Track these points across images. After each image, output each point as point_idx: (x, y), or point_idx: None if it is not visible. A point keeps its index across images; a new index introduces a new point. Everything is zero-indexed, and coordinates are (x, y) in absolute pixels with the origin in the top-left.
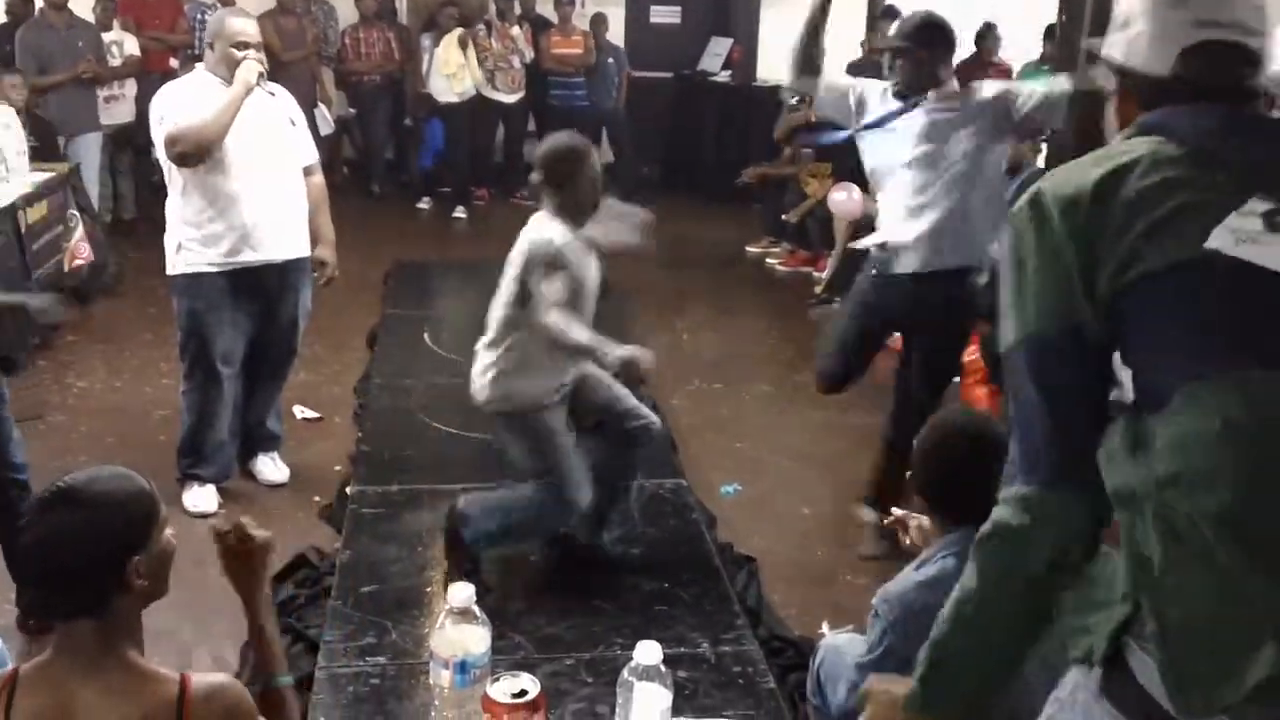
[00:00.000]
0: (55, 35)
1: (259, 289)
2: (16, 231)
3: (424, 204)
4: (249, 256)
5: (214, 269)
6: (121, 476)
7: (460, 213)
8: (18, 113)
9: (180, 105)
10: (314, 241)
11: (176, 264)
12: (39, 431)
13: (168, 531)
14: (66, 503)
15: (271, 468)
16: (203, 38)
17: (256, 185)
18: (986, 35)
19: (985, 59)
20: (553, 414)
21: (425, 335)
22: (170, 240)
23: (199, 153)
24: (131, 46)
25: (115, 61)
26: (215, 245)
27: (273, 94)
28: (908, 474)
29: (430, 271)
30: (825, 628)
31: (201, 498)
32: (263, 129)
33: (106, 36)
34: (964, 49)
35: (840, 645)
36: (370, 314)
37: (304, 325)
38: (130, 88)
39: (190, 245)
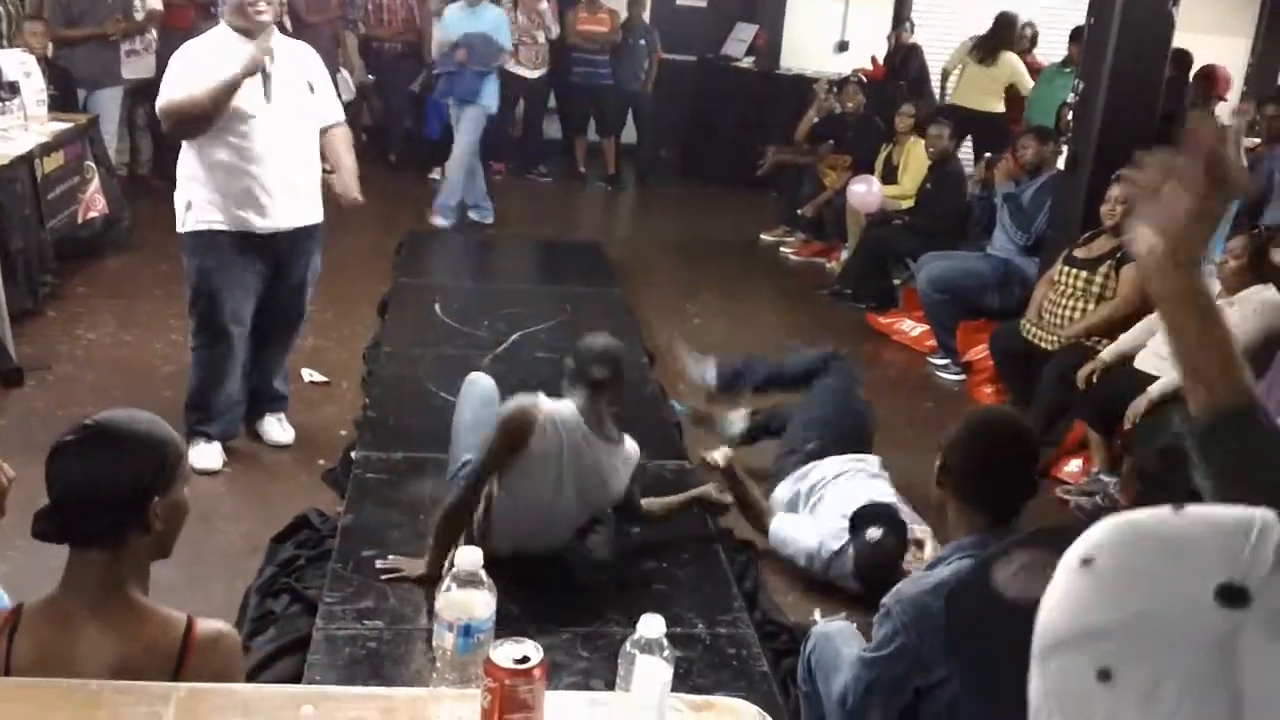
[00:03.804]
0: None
1: (268, 252)
2: (33, 180)
3: (435, 174)
4: (256, 223)
5: (222, 228)
6: (154, 421)
7: (436, 174)
8: (38, 60)
9: (187, 71)
10: (335, 171)
11: (186, 221)
12: (47, 382)
13: (186, 488)
14: (101, 435)
15: (278, 429)
16: None
17: (264, 152)
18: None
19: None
20: None
21: (436, 305)
22: (180, 198)
23: (189, 130)
24: (154, 1)
25: (138, 15)
26: (223, 207)
27: (291, 55)
28: (940, 464)
29: (444, 242)
30: (817, 615)
31: (207, 454)
32: (276, 95)
33: None
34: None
35: (831, 633)
36: (382, 281)
37: (313, 289)
38: (151, 42)
39: (199, 204)
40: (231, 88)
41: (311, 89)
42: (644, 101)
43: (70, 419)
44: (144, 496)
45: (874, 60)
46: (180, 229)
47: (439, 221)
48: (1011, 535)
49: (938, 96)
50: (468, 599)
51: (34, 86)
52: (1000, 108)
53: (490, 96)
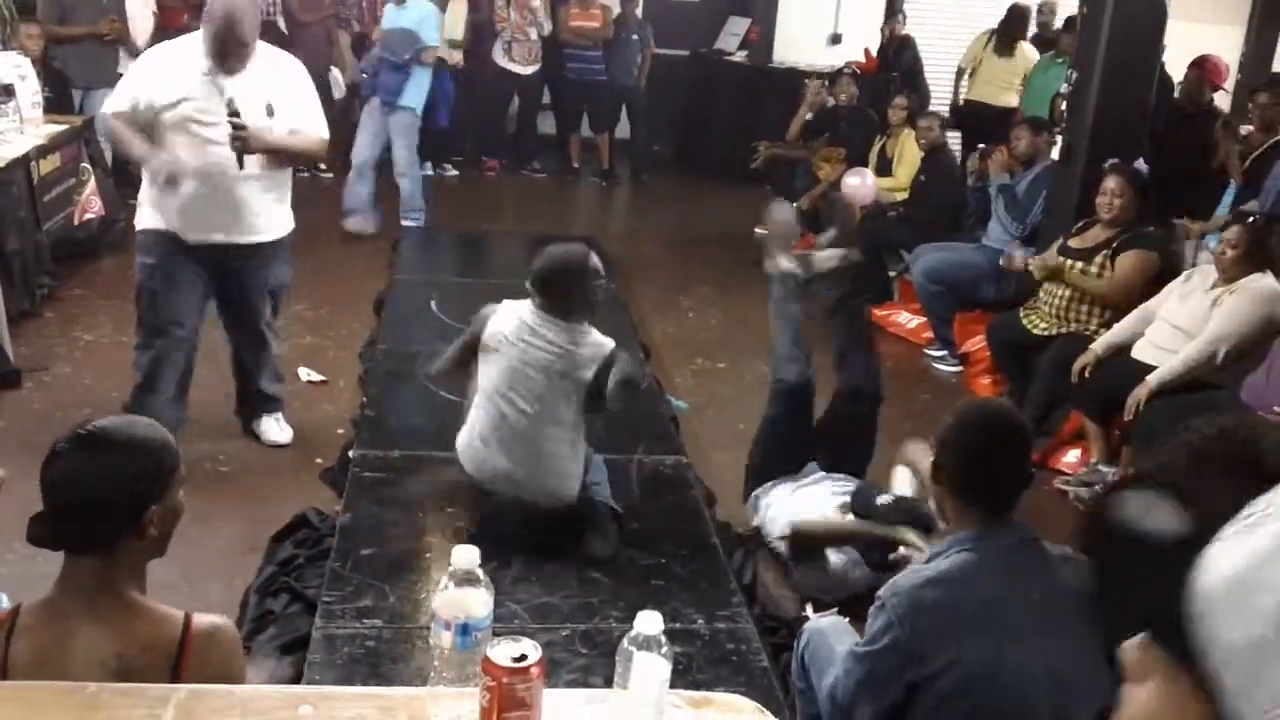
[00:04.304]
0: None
1: (210, 261)
2: (29, 182)
3: (427, 170)
4: (189, 235)
5: (163, 228)
6: (152, 427)
7: (427, 169)
8: (33, 63)
9: (137, 81)
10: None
11: (138, 219)
12: (44, 383)
13: (181, 491)
14: (98, 442)
15: (275, 429)
16: None
17: (207, 171)
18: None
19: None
20: None
21: (432, 303)
22: (139, 196)
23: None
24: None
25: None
26: (165, 211)
27: (257, 74)
28: (933, 459)
29: (439, 239)
30: (809, 610)
31: None
32: (218, 117)
33: None
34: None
35: (824, 628)
36: (378, 279)
37: (279, 298)
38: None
39: (147, 204)
40: (129, 153)
41: (270, 111)
42: (637, 97)
43: (67, 420)
44: (140, 504)
45: (867, 53)
46: (136, 225)
47: (409, 223)
48: (1016, 528)
49: (953, 95)
50: (465, 598)
51: (29, 89)
52: (1015, 101)
53: (414, 96)
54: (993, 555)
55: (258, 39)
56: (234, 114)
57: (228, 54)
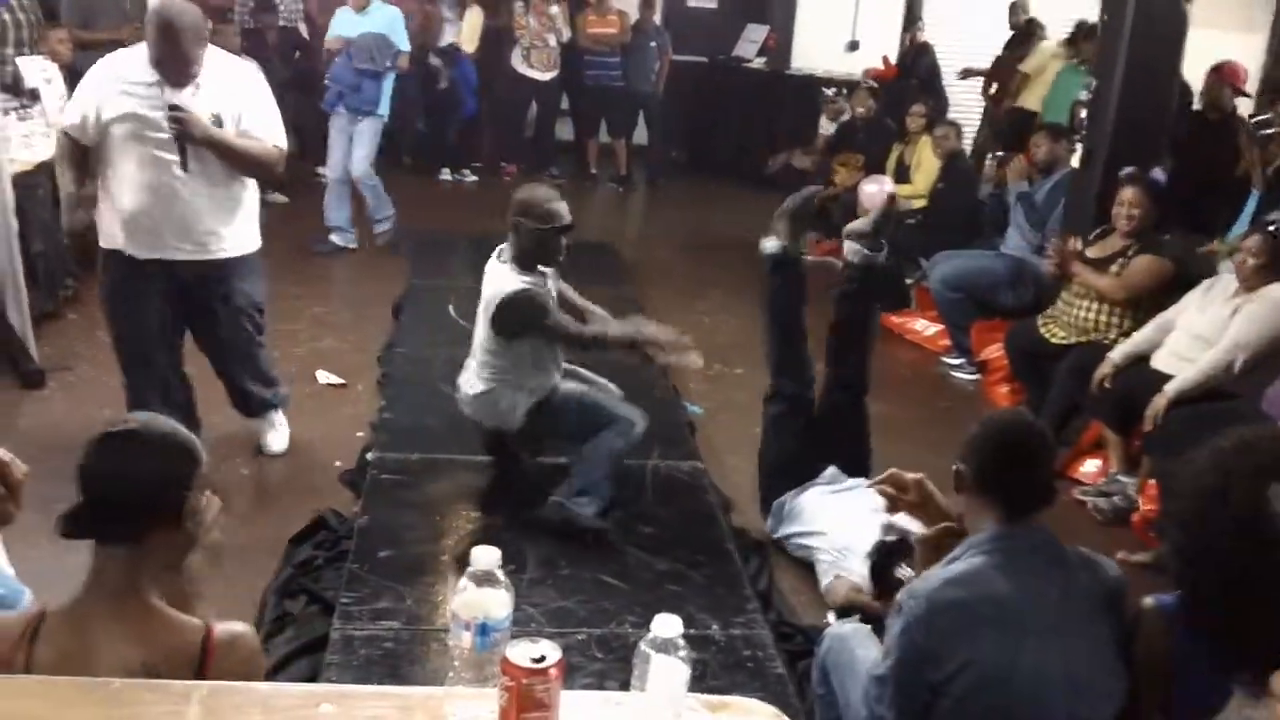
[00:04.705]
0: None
1: (169, 279)
2: (53, 185)
3: (445, 175)
4: (140, 253)
5: (119, 248)
6: (178, 426)
7: (445, 175)
8: (60, 68)
9: (85, 97)
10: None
11: (101, 239)
12: (67, 383)
13: (207, 493)
14: (135, 435)
15: (271, 435)
16: (240, 2)
17: (146, 189)
18: (1030, 35)
19: (1022, 56)
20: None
21: (450, 306)
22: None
23: None
24: None
25: None
26: (119, 229)
27: (206, 90)
28: (958, 467)
29: (456, 243)
30: (830, 617)
31: None
32: (165, 130)
33: None
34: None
35: (846, 635)
36: (395, 284)
37: (251, 313)
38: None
39: (104, 224)
40: (63, 187)
41: (218, 124)
42: (655, 103)
43: (90, 420)
44: (175, 494)
45: (885, 60)
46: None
47: (382, 230)
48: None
49: (989, 101)
50: (484, 598)
51: (55, 93)
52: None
53: (386, 104)
54: (1010, 557)
55: (203, 49)
56: (173, 108)
57: (167, 66)
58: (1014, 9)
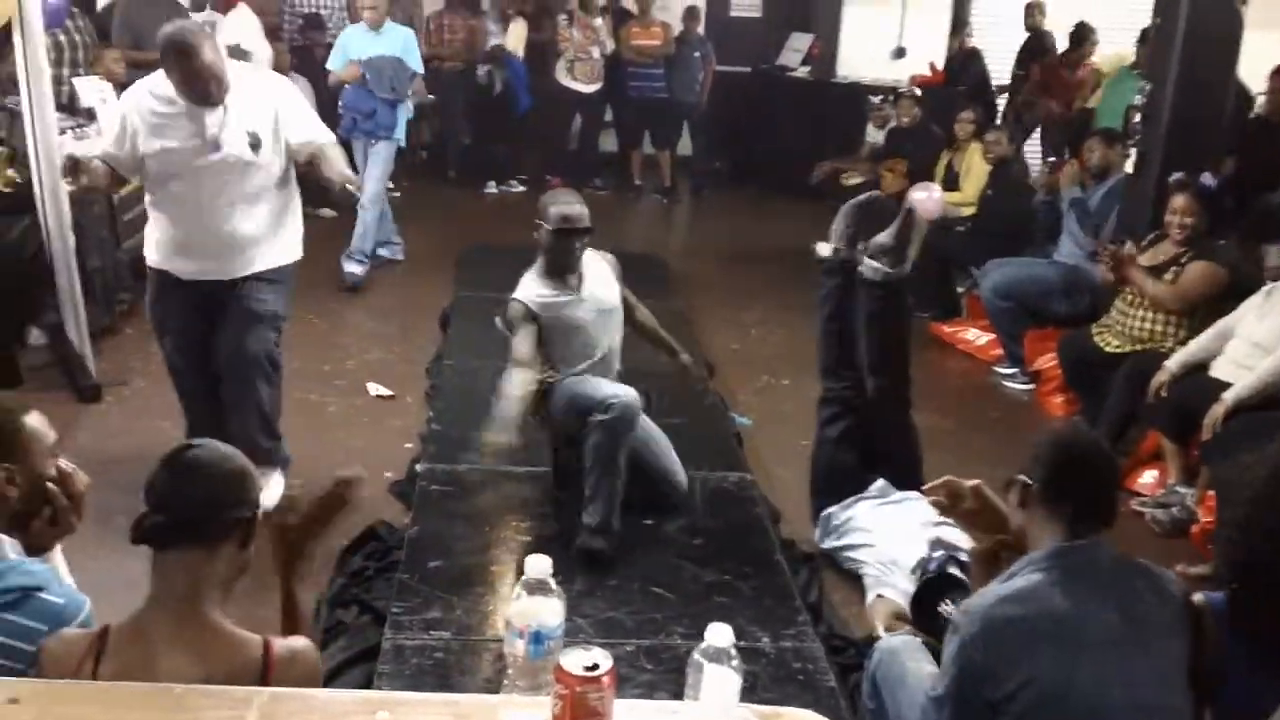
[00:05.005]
0: (153, 12)
1: (207, 295)
2: (109, 202)
3: (491, 188)
4: (182, 271)
5: (161, 268)
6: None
7: (492, 188)
8: (115, 87)
9: (120, 124)
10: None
11: (147, 255)
12: (123, 397)
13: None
14: (206, 449)
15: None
16: (288, 19)
17: (195, 208)
18: (1085, 39)
19: (1075, 59)
20: None
21: (497, 319)
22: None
23: None
24: None
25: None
26: (160, 249)
27: (240, 105)
28: (1016, 480)
29: (503, 255)
30: (881, 630)
31: None
32: (201, 157)
33: (199, 17)
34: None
35: (897, 648)
36: (443, 296)
37: (273, 332)
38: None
39: (149, 242)
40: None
41: (256, 143)
42: (699, 113)
43: (146, 433)
44: (239, 510)
45: (932, 66)
46: None
47: (353, 269)
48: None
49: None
50: (538, 607)
51: (110, 112)
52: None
53: (401, 128)
54: (1069, 574)
55: (223, 64)
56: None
57: (191, 89)
58: (1030, 10)
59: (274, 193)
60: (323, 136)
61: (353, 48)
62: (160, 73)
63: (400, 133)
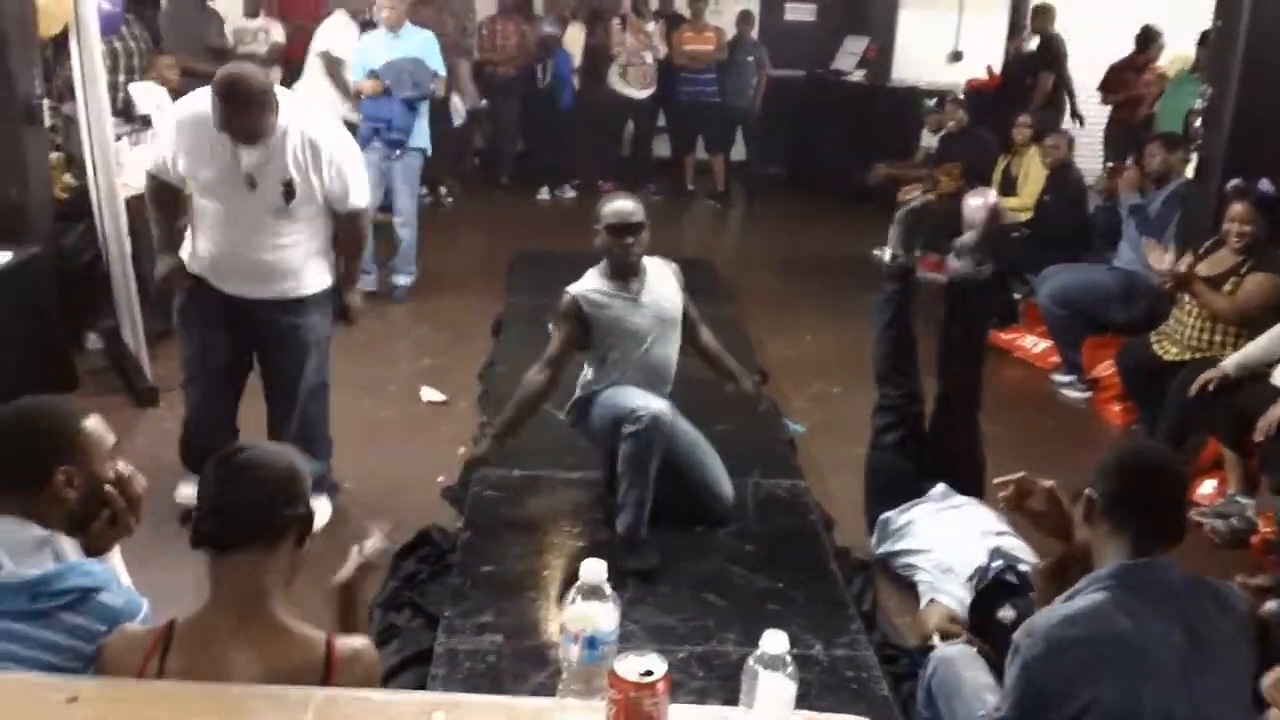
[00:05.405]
0: (193, 19)
1: (243, 309)
2: None
3: (543, 194)
4: (210, 280)
5: (198, 273)
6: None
7: (544, 194)
8: (170, 93)
9: (165, 145)
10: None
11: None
12: (178, 400)
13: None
14: (258, 448)
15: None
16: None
17: (227, 234)
18: (1151, 41)
19: (1142, 63)
20: None
21: (549, 324)
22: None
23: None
24: (277, 34)
25: (261, 48)
26: (195, 255)
27: (281, 152)
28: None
29: (554, 261)
30: (936, 639)
31: (189, 489)
32: (253, 190)
33: (253, 24)
34: (1125, 48)
35: (953, 657)
36: (495, 301)
37: (315, 354)
38: (276, 74)
39: (189, 245)
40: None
41: (290, 192)
42: (752, 118)
43: None
44: (296, 508)
45: (989, 70)
46: None
47: (401, 281)
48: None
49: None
50: (593, 611)
51: (163, 121)
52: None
53: (424, 135)
54: (1133, 593)
55: (273, 116)
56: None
57: (234, 131)
58: (1037, 13)
59: (311, 225)
60: (359, 200)
61: (372, 56)
62: (207, 93)
63: (423, 140)
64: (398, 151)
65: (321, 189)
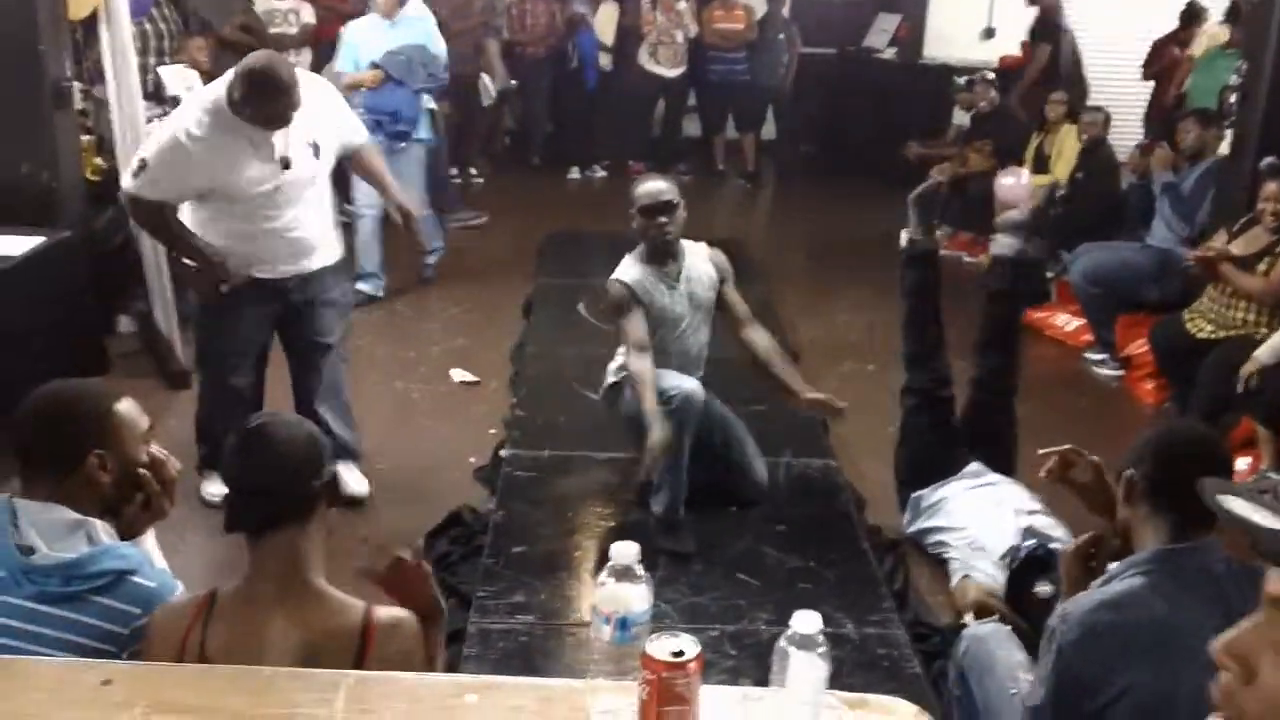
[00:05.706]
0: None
1: (276, 291)
2: None
3: (574, 174)
4: (258, 274)
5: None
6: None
7: (574, 174)
8: (201, 75)
9: (174, 163)
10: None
11: None
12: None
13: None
14: (275, 421)
15: (349, 476)
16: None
17: (270, 221)
18: (1195, 18)
19: (1185, 39)
20: None
21: (580, 305)
22: None
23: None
24: (308, 15)
25: (292, 30)
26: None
27: (300, 119)
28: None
29: (584, 242)
30: (969, 618)
31: (220, 486)
32: (275, 178)
33: (283, 5)
34: (1169, 24)
35: (984, 635)
36: (525, 282)
37: (342, 323)
38: (306, 56)
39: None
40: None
41: (316, 152)
42: (783, 97)
43: None
44: (326, 470)
45: (1024, 46)
46: None
47: (426, 261)
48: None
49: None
50: (624, 592)
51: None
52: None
53: (426, 125)
54: (1171, 578)
55: (300, 100)
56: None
57: (266, 119)
58: None
59: (327, 190)
60: (363, 136)
61: (366, 46)
62: (213, 98)
63: (426, 131)
64: (402, 144)
65: (336, 132)
